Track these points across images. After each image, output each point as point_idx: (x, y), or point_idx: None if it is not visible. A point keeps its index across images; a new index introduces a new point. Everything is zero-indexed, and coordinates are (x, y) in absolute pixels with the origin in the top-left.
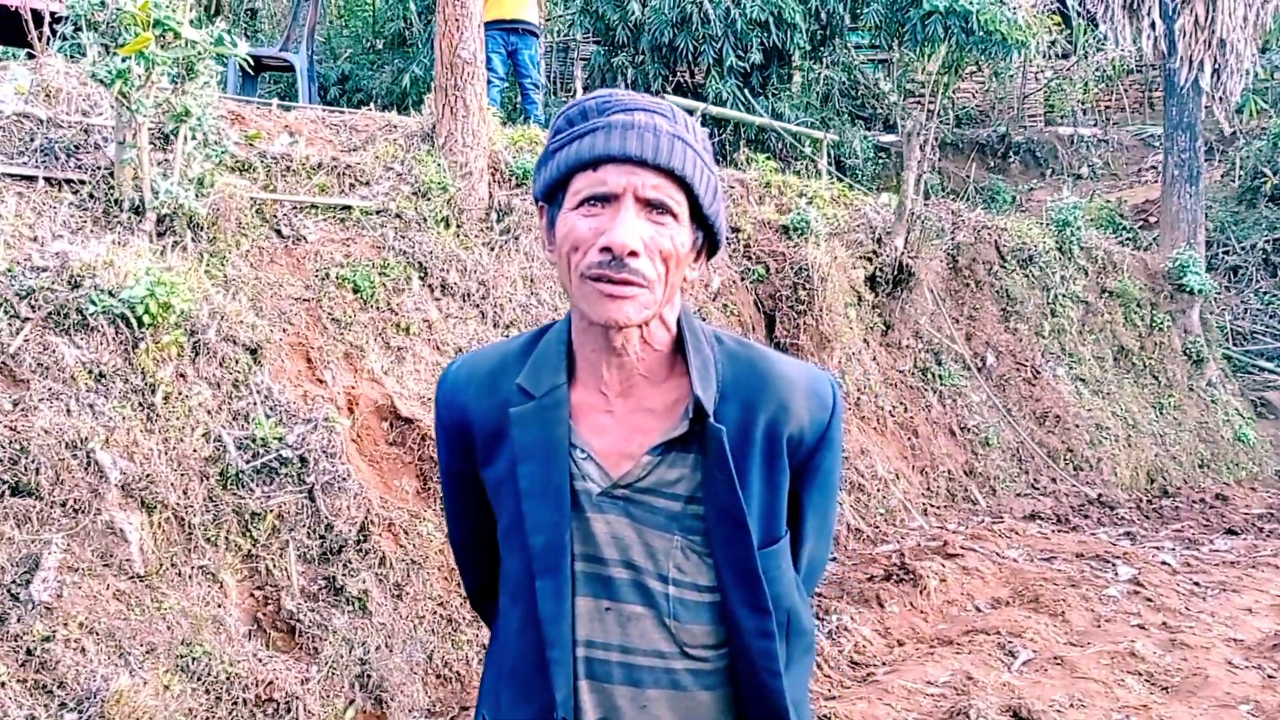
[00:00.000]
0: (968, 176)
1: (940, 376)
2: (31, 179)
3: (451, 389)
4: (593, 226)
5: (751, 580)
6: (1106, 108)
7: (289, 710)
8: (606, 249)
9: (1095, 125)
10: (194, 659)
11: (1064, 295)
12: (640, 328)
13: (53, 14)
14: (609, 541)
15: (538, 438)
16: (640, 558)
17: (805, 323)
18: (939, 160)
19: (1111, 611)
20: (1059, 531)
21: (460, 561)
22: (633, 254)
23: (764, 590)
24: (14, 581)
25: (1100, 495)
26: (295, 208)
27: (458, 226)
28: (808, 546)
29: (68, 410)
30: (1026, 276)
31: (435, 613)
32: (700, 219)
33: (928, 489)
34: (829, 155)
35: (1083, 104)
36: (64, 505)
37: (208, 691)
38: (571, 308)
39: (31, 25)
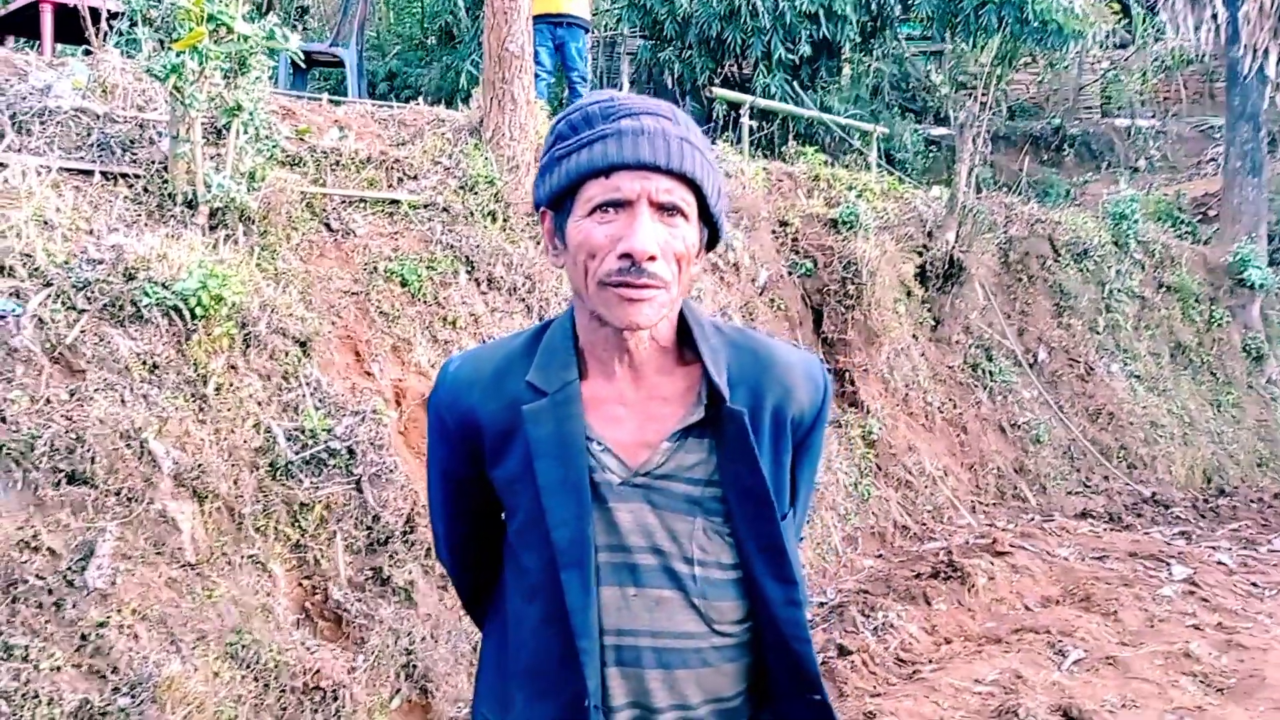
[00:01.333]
0: (1021, 170)
1: (991, 372)
2: (88, 173)
3: (454, 390)
4: (608, 233)
5: (777, 553)
6: (1165, 99)
7: (335, 698)
8: (626, 255)
9: (1153, 117)
10: (243, 647)
11: (1119, 290)
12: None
13: (110, 11)
14: (633, 529)
15: (553, 433)
16: (665, 542)
17: (853, 318)
18: (991, 153)
19: (1165, 611)
20: (1112, 530)
21: (454, 568)
22: (651, 258)
23: (789, 562)
24: (70, 568)
25: (1155, 494)
26: (344, 201)
27: (504, 220)
28: (796, 519)
29: (122, 400)
30: (1081, 271)
31: None
32: (706, 217)
33: (977, 486)
34: (879, 148)
35: (1141, 95)
36: (118, 494)
37: (256, 679)
38: (576, 308)
39: (89, 22)
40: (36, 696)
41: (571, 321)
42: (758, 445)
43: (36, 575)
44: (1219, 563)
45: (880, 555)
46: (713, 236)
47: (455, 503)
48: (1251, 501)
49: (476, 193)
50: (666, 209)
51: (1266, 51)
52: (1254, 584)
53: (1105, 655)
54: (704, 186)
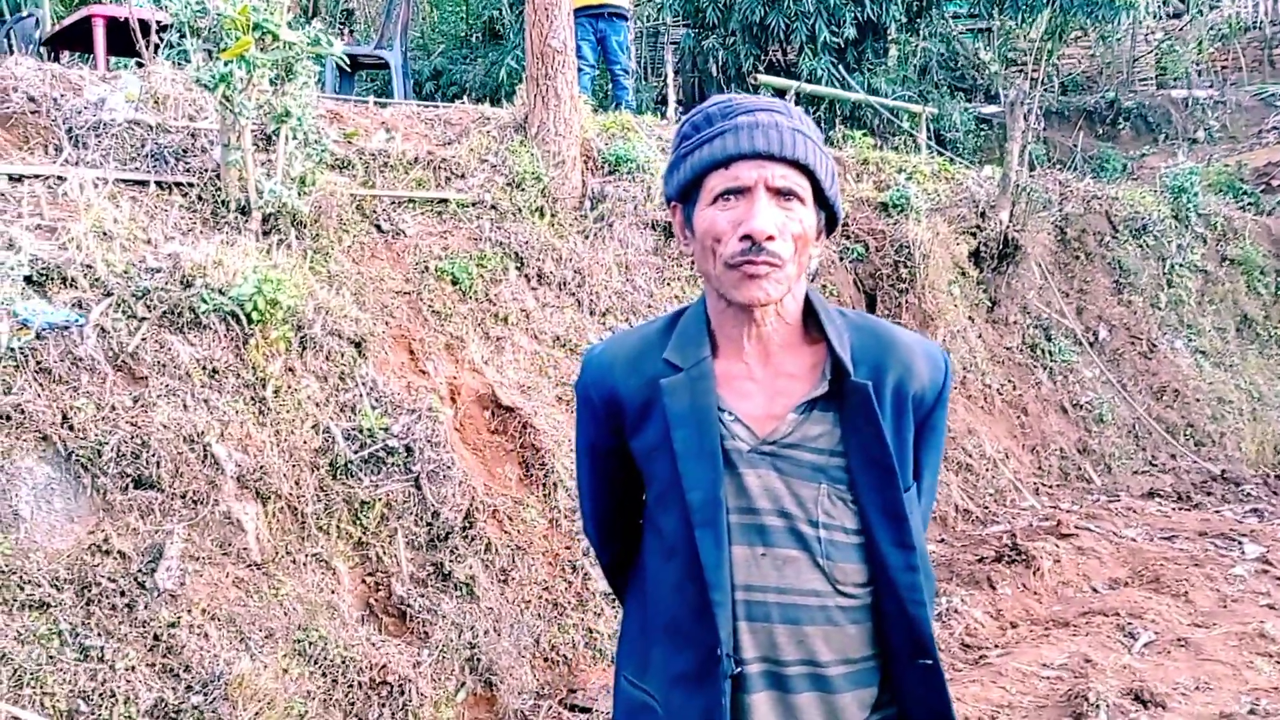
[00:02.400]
0: (1075, 145)
1: (1050, 352)
2: (143, 183)
3: (598, 370)
4: (730, 219)
5: (898, 520)
6: (1223, 68)
7: (402, 693)
8: (746, 236)
9: (1211, 86)
10: (310, 643)
11: (1181, 265)
12: (776, 304)
13: (159, 23)
14: (761, 493)
15: (689, 405)
16: (791, 506)
17: (907, 301)
18: (1044, 130)
19: (1238, 591)
20: (1180, 510)
21: (600, 535)
22: (769, 238)
23: (909, 529)
24: (140, 570)
25: (1224, 471)
26: (393, 202)
27: (552, 216)
28: (922, 501)
29: (184, 405)
30: (1140, 247)
31: (541, 597)
32: (821, 200)
33: (1039, 468)
34: (928, 129)
35: (1197, 64)
36: (184, 497)
37: (324, 675)
38: (706, 291)
39: (139, 35)
40: (114, 696)
41: (704, 305)
42: (883, 418)
43: (109, 578)
44: None
45: (942, 540)
46: (830, 220)
47: (601, 476)
48: None
49: (523, 189)
50: (783, 193)
51: None
52: None
53: (1177, 637)
54: (817, 172)
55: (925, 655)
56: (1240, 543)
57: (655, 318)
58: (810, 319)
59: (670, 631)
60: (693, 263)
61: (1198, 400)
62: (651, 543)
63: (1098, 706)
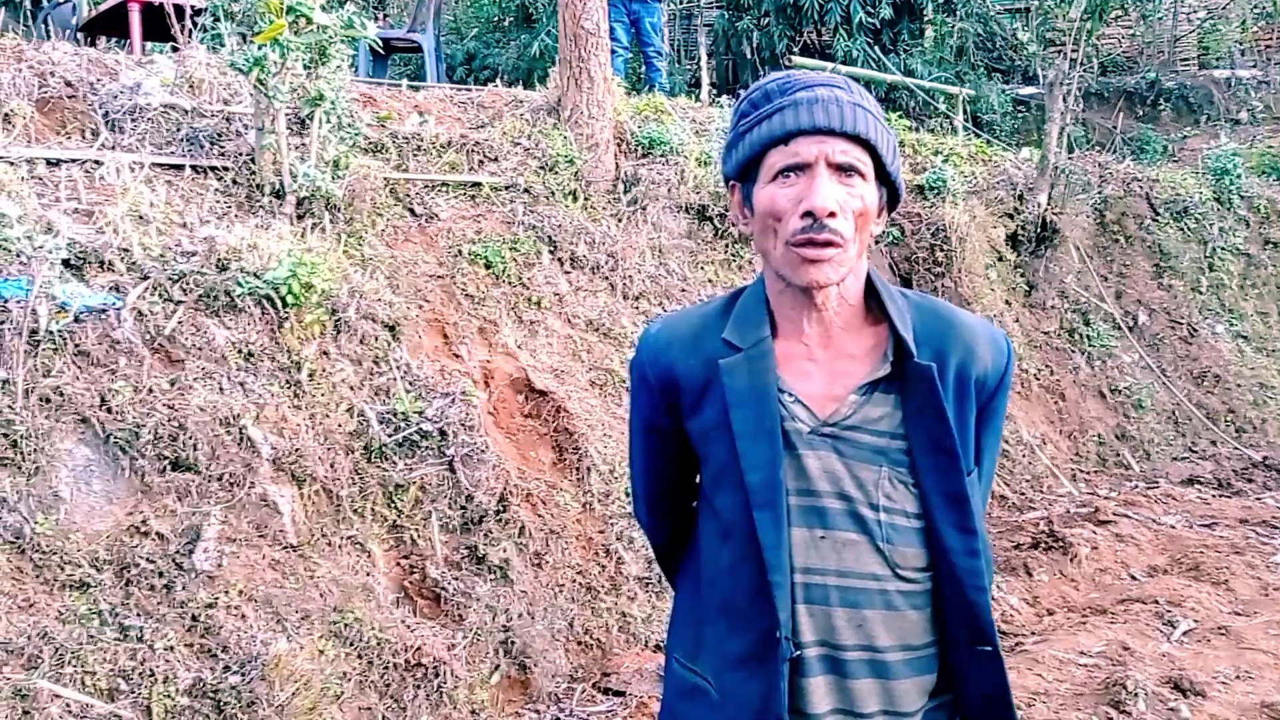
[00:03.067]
0: (1115, 127)
1: (1088, 337)
2: (179, 167)
3: (655, 349)
4: (790, 195)
5: (960, 504)
6: (1267, 47)
7: (437, 674)
8: (808, 213)
9: (1255, 66)
10: (346, 625)
11: (1223, 248)
12: (838, 284)
13: (194, 7)
14: (821, 475)
15: (748, 385)
16: (852, 489)
17: (943, 285)
18: (1083, 111)
19: None
20: (1220, 496)
21: (653, 517)
22: (831, 214)
23: (971, 513)
24: (178, 551)
25: (1266, 458)
26: (427, 186)
27: (585, 199)
28: (981, 487)
29: (220, 389)
30: (1181, 230)
31: (575, 581)
32: (883, 176)
33: (1076, 454)
34: (965, 111)
35: (1240, 44)
36: (220, 479)
37: (360, 656)
38: (765, 271)
39: (174, 19)
40: (153, 675)
41: (762, 285)
42: (945, 400)
43: (147, 559)
44: None
45: None
46: (892, 197)
47: (656, 456)
48: None
49: (557, 172)
50: (844, 169)
51: None
52: None
53: (1217, 625)
54: (878, 147)
55: (985, 642)
56: None
57: (712, 298)
58: (871, 299)
59: (726, 613)
60: (728, 245)
61: (1239, 385)
62: (707, 524)
63: (1136, 695)
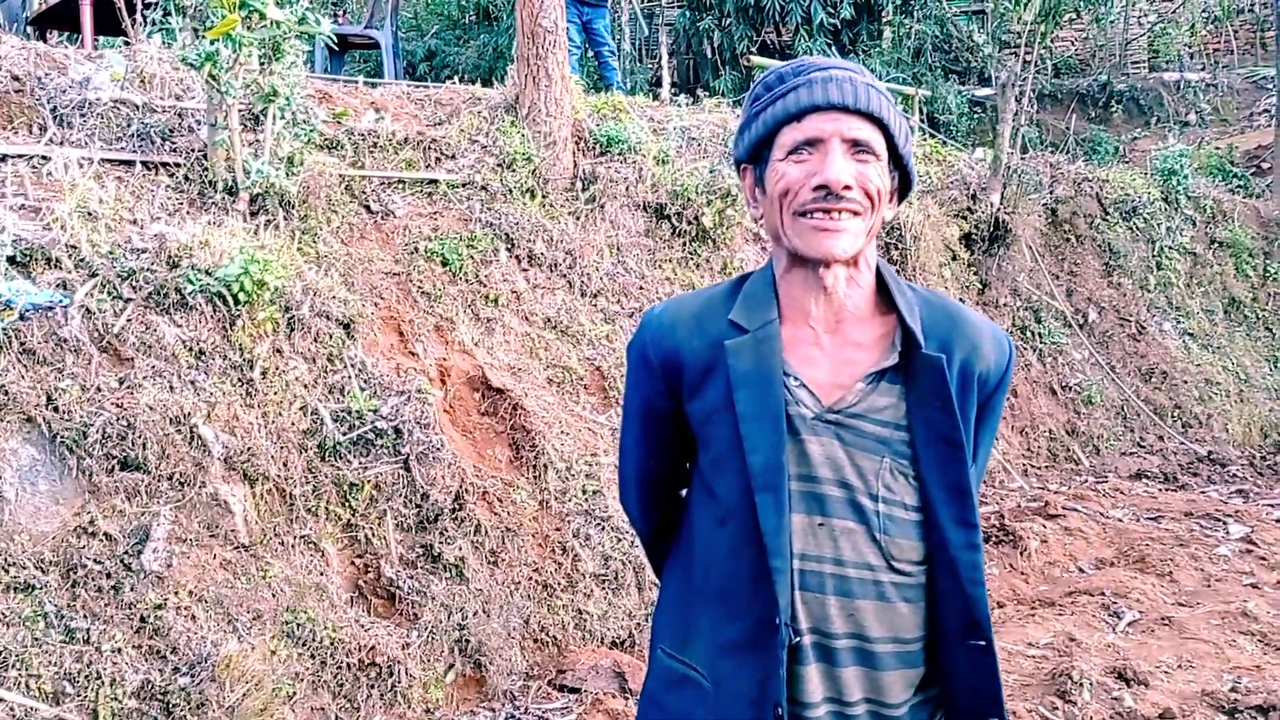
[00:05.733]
0: (1068, 128)
1: (1040, 334)
2: (129, 163)
3: (659, 331)
4: (804, 170)
5: (962, 497)
6: (1215, 50)
7: (391, 674)
8: (821, 186)
9: (1203, 69)
10: (299, 625)
11: (1170, 247)
12: (848, 265)
13: (145, 2)
14: (823, 462)
15: (753, 367)
16: (852, 477)
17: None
18: (1037, 112)
19: (1222, 571)
20: (1166, 490)
21: (643, 503)
22: (846, 188)
23: (973, 506)
24: (126, 552)
25: (1210, 452)
26: (383, 183)
27: (543, 196)
28: (976, 476)
29: (170, 387)
30: (1130, 229)
31: (530, 579)
32: (896, 160)
33: (1028, 449)
34: (921, 112)
35: (1189, 47)
36: (170, 479)
37: (313, 656)
38: (774, 255)
39: (126, 13)
40: (99, 678)
41: (770, 269)
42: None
43: (94, 560)
44: (1277, 520)
45: None
46: (904, 184)
47: (651, 439)
48: None
49: (514, 170)
50: (859, 146)
51: None
52: None
53: (1161, 616)
54: (891, 126)
55: (979, 636)
56: (1225, 523)
57: (719, 282)
58: (880, 289)
59: (722, 598)
60: (686, 244)
61: (1185, 382)
62: (702, 509)
63: (1081, 685)
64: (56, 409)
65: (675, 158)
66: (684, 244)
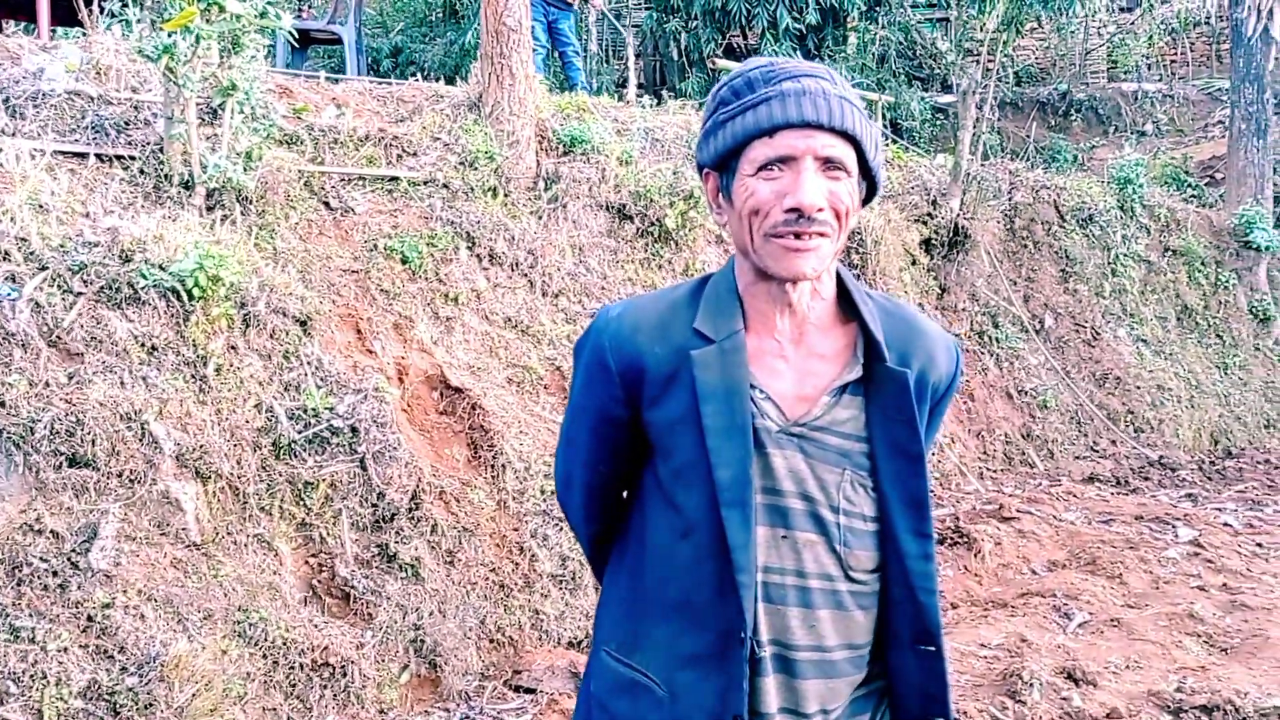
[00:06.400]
0: (1028, 136)
1: (997, 339)
2: (83, 156)
3: (619, 336)
4: (774, 189)
5: (919, 509)
6: (1172, 62)
7: (344, 674)
8: (793, 209)
9: (1160, 80)
10: (250, 625)
11: (1125, 255)
12: (814, 280)
13: None
14: (786, 475)
15: (720, 379)
16: (814, 490)
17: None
18: (998, 120)
19: (1171, 573)
20: (1118, 494)
21: (587, 508)
22: (819, 210)
23: (929, 518)
24: (74, 550)
25: (1161, 457)
26: (343, 180)
27: (505, 195)
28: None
29: (121, 383)
30: (1086, 236)
31: (487, 579)
32: (865, 170)
33: (984, 453)
34: (884, 117)
35: (1147, 58)
36: (120, 476)
37: (265, 656)
38: (737, 263)
39: (82, 3)
40: (45, 677)
41: (732, 275)
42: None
43: (40, 558)
44: (1224, 524)
45: None
46: (870, 190)
47: (602, 443)
48: (1258, 463)
49: (476, 168)
50: (830, 164)
51: (1271, 12)
52: (1259, 544)
53: (1110, 617)
54: (863, 142)
55: (930, 642)
56: (1174, 527)
57: (678, 284)
58: (842, 298)
59: (681, 611)
60: (648, 244)
61: (1138, 387)
62: (659, 518)
63: (1031, 685)
64: (3, 404)
65: (639, 159)
66: (646, 245)
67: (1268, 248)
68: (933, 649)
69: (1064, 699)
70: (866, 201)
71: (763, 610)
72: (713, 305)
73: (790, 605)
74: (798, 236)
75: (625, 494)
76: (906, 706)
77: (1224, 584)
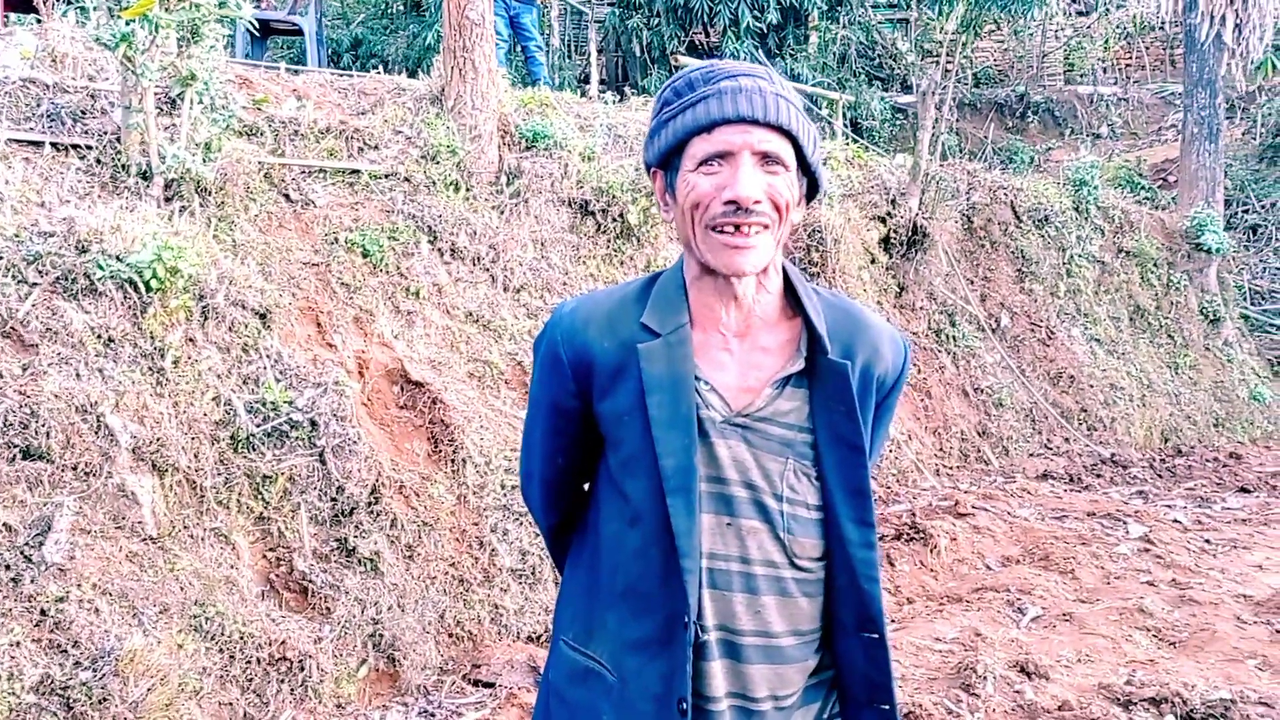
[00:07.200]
0: (986, 137)
1: (954, 338)
2: (38, 144)
3: (571, 329)
4: (714, 183)
5: (861, 498)
6: (1127, 65)
7: (302, 669)
8: (731, 202)
9: (1115, 84)
10: (207, 619)
11: (1080, 255)
12: (757, 275)
13: None
14: (730, 464)
15: (666, 371)
16: (758, 478)
17: (818, 285)
18: (957, 121)
19: (1121, 569)
20: (1071, 491)
21: (546, 498)
22: (756, 202)
23: (871, 507)
24: (27, 543)
25: (1114, 455)
26: (303, 172)
27: (467, 190)
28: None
29: (77, 375)
30: (1042, 237)
31: (447, 573)
32: (804, 167)
33: (940, 450)
34: (844, 116)
35: (1103, 62)
36: (75, 468)
37: (221, 651)
38: (685, 259)
39: None
40: None
41: (681, 271)
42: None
43: None
44: (1174, 521)
45: None
46: (812, 188)
47: (558, 435)
48: (1207, 461)
49: (438, 162)
50: (767, 158)
51: (1223, 18)
52: (1207, 541)
53: (1062, 612)
54: (800, 138)
55: (873, 629)
56: (1125, 523)
57: (630, 280)
58: (788, 293)
59: (628, 597)
60: (610, 240)
61: (1091, 386)
62: (610, 508)
63: (985, 678)
64: None
65: (601, 154)
66: (608, 241)
67: (1218, 250)
68: (876, 636)
69: (1017, 692)
70: (810, 199)
71: (708, 596)
72: (660, 300)
73: (735, 591)
74: (737, 229)
75: (586, 487)
76: (853, 694)
77: (1173, 579)
